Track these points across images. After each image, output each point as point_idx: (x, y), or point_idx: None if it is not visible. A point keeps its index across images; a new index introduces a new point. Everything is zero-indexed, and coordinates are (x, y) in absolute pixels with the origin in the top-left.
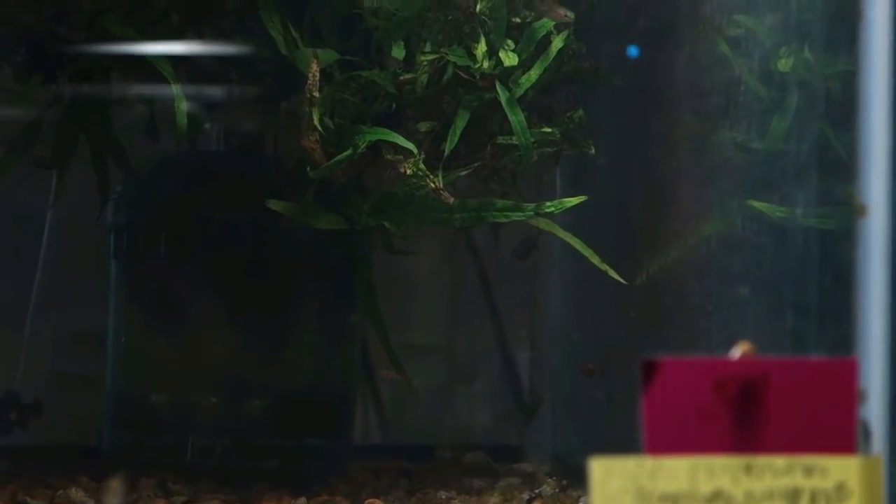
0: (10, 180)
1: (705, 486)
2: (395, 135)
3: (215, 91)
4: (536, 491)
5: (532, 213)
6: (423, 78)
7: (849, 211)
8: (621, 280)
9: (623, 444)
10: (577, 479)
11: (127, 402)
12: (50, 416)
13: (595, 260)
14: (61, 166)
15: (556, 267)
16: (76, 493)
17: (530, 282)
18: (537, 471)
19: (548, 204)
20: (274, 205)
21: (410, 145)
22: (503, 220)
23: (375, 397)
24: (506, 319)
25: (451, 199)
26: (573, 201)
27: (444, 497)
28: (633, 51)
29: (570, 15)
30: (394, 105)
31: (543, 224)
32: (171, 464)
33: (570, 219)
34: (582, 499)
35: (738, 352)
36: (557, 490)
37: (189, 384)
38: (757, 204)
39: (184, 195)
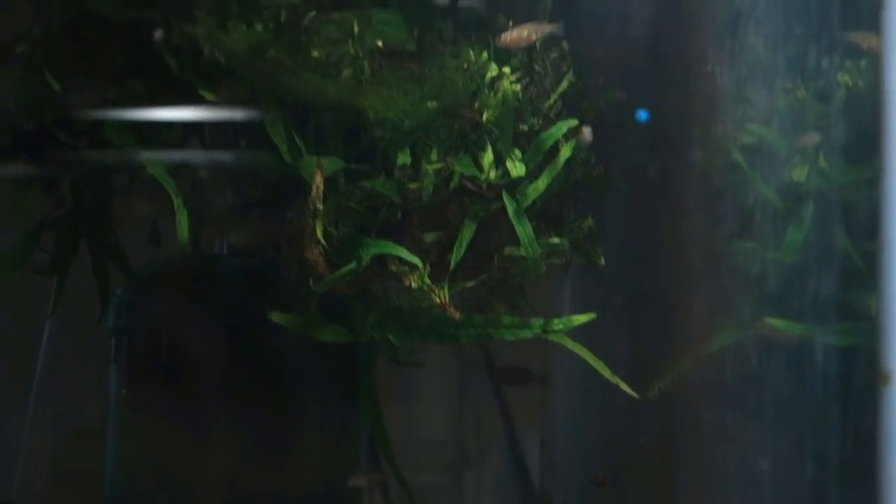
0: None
1: None
2: (400, 248)
3: (218, 198)
4: None
5: (540, 330)
6: (429, 187)
7: (869, 327)
8: (633, 394)
9: None
10: None
11: None
12: None
13: (606, 373)
14: (61, 273)
15: (565, 368)
16: None
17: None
18: None
19: (556, 321)
20: (276, 317)
21: (415, 259)
22: (510, 337)
23: (384, 497)
24: (516, 417)
25: (457, 315)
26: (582, 319)
27: None
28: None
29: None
30: (399, 214)
31: (553, 336)
32: None
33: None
34: None
35: None
36: None
37: (189, 491)
38: (773, 321)
39: (185, 301)
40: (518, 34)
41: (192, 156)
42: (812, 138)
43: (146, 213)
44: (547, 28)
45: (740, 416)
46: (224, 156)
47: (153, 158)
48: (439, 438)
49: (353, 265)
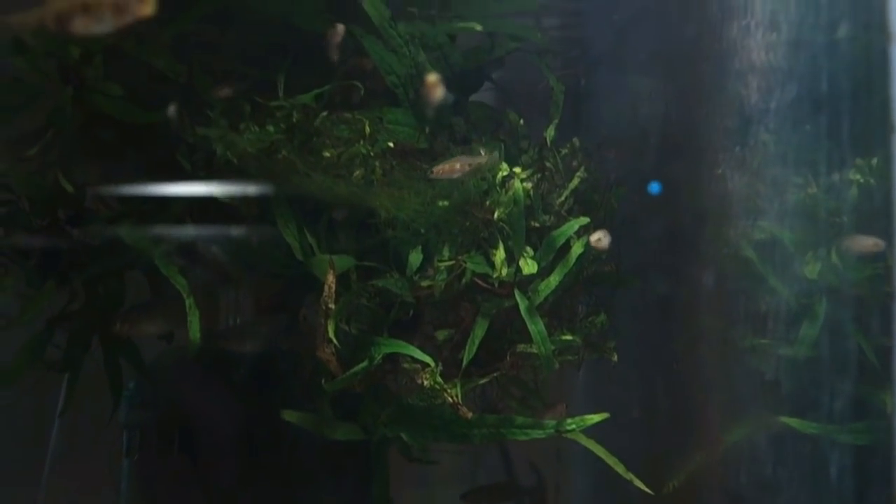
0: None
1: None
2: (412, 348)
3: (230, 295)
4: None
5: (553, 430)
6: (441, 285)
7: (884, 425)
8: (648, 490)
9: None
10: None
11: None
12: None
13: (620, 469)
14: (73, 369)
15: (579, 458)
16: None
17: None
18: None
19: (569, 421)
20: (289, 416)
21: (427, 358)
22: (523, 437)
23: None
24: None
25: (470, 415)
26: (595, 419)
27: None
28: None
29: (603, 240)
30: (411, 311)
31: (569, 434)
32: None
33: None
34: None
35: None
36: None
37: None
38: (788, 420)
39: (197, 396)
40: (450, 166)
41: (205, 254)
42: (601, 240)
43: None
44: (481, 159)
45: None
46: (236, 253)
47: (165, 258)
48: None
49: (365, 364)
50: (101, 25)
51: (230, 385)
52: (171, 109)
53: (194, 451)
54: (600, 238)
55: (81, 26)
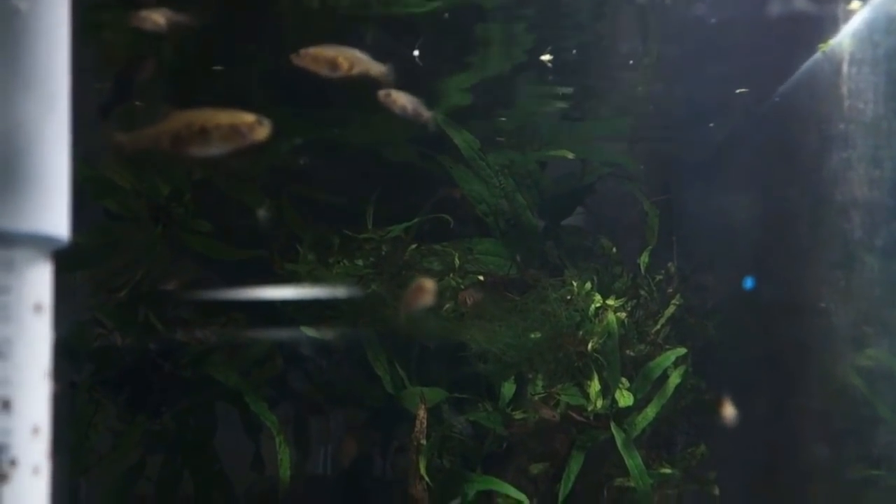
0: None
1: None
2: (506, 485)
3: (320, 426)
4: None
5: None
6: (535, 417)
7: None
8: None
9: None
10: None
11: None
12: None
13: None
14: (165, 502)
15: None
16: None
17: None
18: None
19: None
20: None
21: (522, 496)
22: None
23: None
24: None
25: None
26: None
27: None
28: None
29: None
30: (504, 444)
31: None
32: None
33: None
34: None
35: None
36: None
37: None
38: None
39: None
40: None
41: (294, 387)
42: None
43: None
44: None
45: None
46: (326, 387)
47: (255, 395)
48: None
49: (457, 502)
50: (216, 148)
51: None
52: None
53: None
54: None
55: (197, 148)
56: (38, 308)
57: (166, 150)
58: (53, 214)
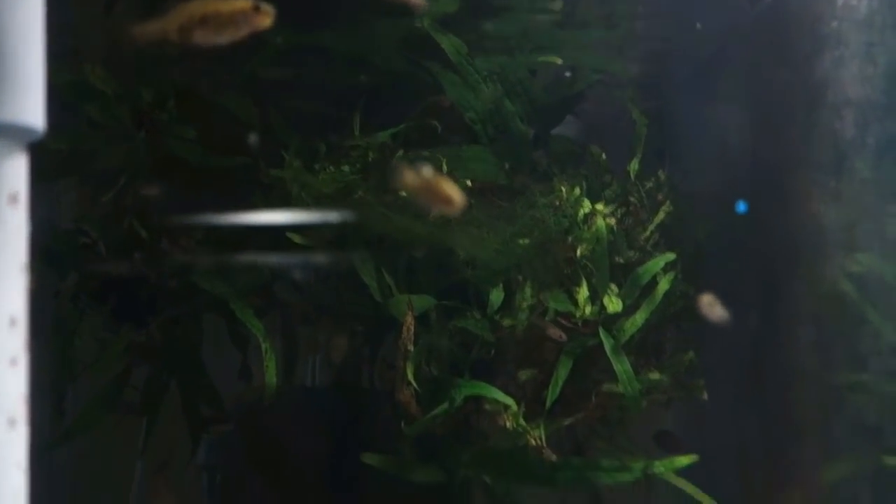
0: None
1: None
2: (494, 389)
3: (308, 335)
4: None
5: (640, 473)
6: (523, 324)
7: None
8: None
9: None
10: None
11: None
12: None
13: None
14: (151, 412)
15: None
16: None
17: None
18: None
19: (658, 464)
20: (369, 459)
21: (509, 400)
22: (609, 481)
23: None
24: None
25: (553, 457)
26: (684, 461)
27: None
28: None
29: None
30: (493, 351)
31: (657, 476)
32: None
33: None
34: None
35: None
36: None
37: None
38: (890, 459)
39: (277, 436)
40: None
41: (281, 296)
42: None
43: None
44: None
45: None
46: (313, 295)
47: (241, 303)
48: None
49: (445, 407)
50: (219, 37)
51: (309, 427)
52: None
53: (274, 492)
54: (711, 303)
55: (201, 37)
56: (13, 199)
57: (176, 40)
58: (28, 104)
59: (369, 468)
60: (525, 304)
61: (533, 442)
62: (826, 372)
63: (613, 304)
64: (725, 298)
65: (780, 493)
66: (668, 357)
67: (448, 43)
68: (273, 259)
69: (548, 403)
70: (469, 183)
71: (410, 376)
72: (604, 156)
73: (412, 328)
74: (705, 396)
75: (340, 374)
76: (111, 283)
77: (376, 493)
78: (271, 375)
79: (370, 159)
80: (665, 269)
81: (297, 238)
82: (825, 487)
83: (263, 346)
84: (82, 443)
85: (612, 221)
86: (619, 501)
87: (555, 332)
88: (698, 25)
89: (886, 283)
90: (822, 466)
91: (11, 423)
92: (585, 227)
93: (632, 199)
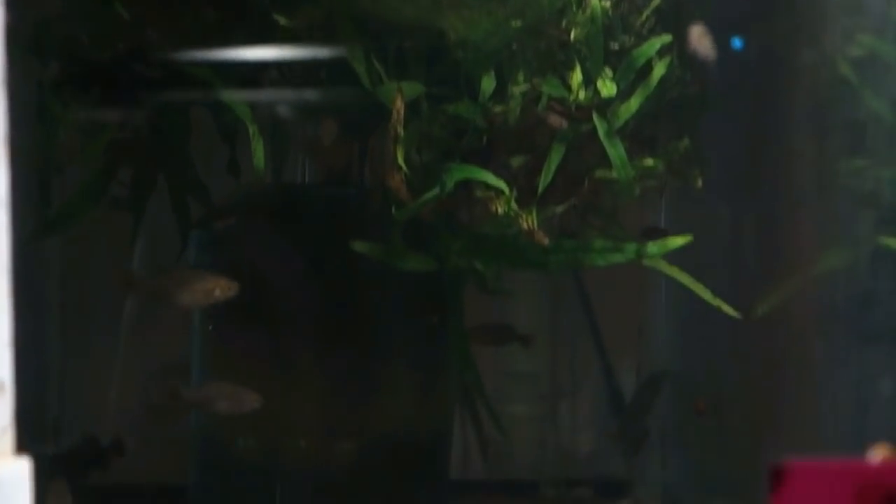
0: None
1: None
2: (485, 172)
3: (297, 126)
4: None
5: (634, 254)
6: (516, 110)
7: None
8: (735, 314)
9: (737, 481)
10: None
11: (213, 445)
12: (137, 453)
13: (706, 296)
14: (138, 207)
15: (663, 292)
16: None
17: (636, 306)
18: None
19: (651, 245)
20: (359, 247)
21: (501, 184)
22: (602, 262)
23: (477, 427)
24: (610, 346)
25: (546, 241)
26: (678, 242)
27: None
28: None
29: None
30: (484, 138)
31: (648, 260)
32: None
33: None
34: None
35: (877, 455)
36: None
37: (278, 426)
38: (888, 241)
39: (266, 233)
40: None
41: (269, 84)
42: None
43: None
44: None
45: (853, 340)
46: (302, 84)
47: (227, 89)
48: (532, 369)
49: (436, 191)
50: None
51: (299, 220)
52: None
53: (263, 288)
54: (701, 36)
55: None
56: None
57: None
58: None
59: (360, 261)
60: (517, 91)
61: (525, 226)
62: (825, 155)
63: (607, 87)
64: (723, 83)
65: (777, 281)
66: (663, 145)
67: None
68: (259, 50)
69: (540, 188)
70: None
71: (401, 160)
72: None
73: (402, 112)
74: (700, 184)
75: (330, 175)
76: (96, 71)
77: (368, 287)
78: (259, 158)
79: None
80: (661, 55)
81: (283, 20)
82: (822, 269)
83: (251, 128)
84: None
85: (608, 5)
86: None
87: (555, 120)
88: None
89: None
90: (819, 248)
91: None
92: (580, 10)
93: None
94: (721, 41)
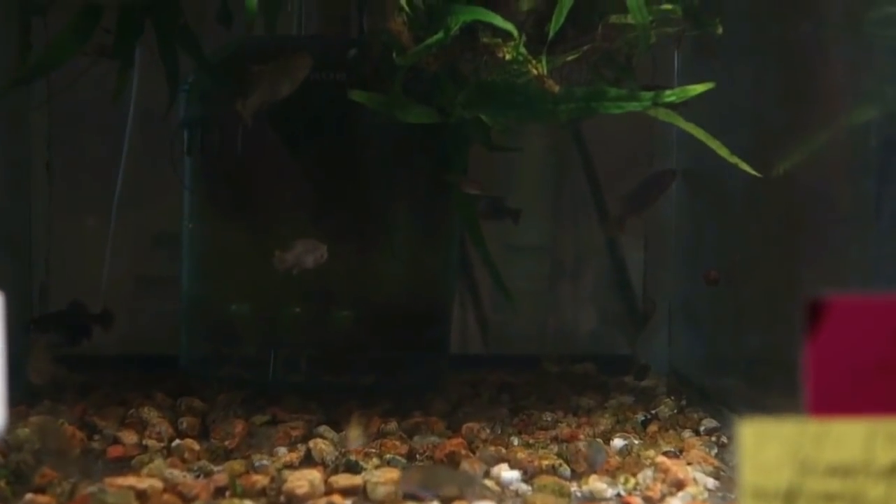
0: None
1: (885, 457)
2: (492, 14)
3: None
4: (653, 412)
5: (649, 102)
6: None
7: None
8: (754, 173)
9: (750, 363)
10: (696, 398)
11: (205, 312)
12: (128, 324)
13: (724, 152)
14: (125, 55)
15: (672, 158)
16: (149, 413)
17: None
18: (653, 387)
19: (668, 92)
20: (358, 96)
21: (510, 26)
22: (616, 111)
23: (476, 303)
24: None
25: (556, 88)
26: (698, 89)
27: (549, 420)
28: None
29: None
30: None
31: (663, 114)
32: (254, 378)
33: (694, 110)
34: (703, 420)
35: None
36: (675, 411)
37: (271, 292)
38: None
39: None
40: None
41: None
42: None
43: None
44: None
45: (883, 190)
46: None
47: None
48: (536, 243)
49: (440, 35)
50: None
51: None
52: None
53: (257, 147)
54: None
55: None
56: None
57: None
58: None
59: (359, 115)
60: None
61: (535, 72)
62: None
63: None
64: None
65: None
66: None
67: None
68: None
69: (551, 33)
70: None
71: (403, 1)
72: None
73: None
74: (720, 30)
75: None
76: None
77: (366, 142)
78: (252, 2)
79: None
80: None
81: None
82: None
83: None
84: None
85: None
86: None
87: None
88: None
89: None
90: (846, 103)
91: None
92: None
93: None
94: None
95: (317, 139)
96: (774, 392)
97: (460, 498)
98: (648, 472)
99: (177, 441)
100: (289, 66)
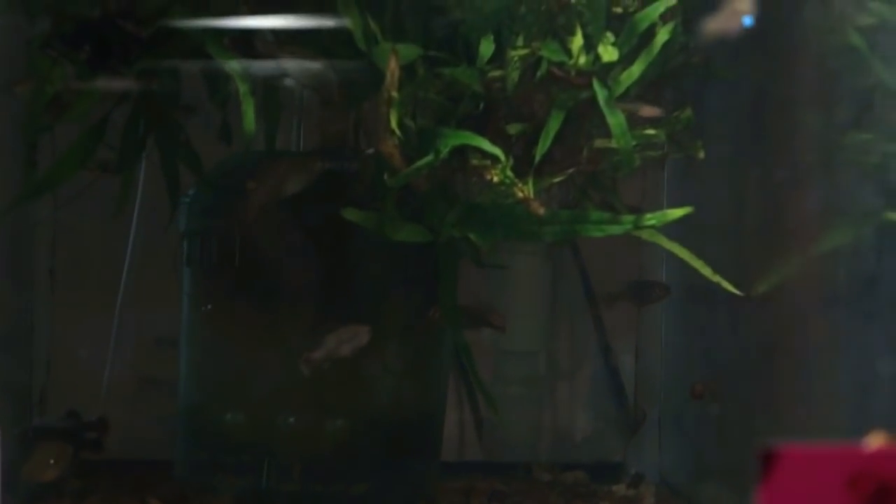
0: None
1: None
2: (481, 139)
3: (290, 90)
4: None
5: (631, 226)
6: (514, 75)
7: None
8: (735, 291)
9: (735, 468)
10: None
11: (200, 419)
12: (128, 427)
13: (706, 272)
14: (128, 170)
15: (662, 270)
16: None
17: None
18: (641, 495)
19: (649, 216)
20: (350, 214)
21: (497, 151)
22: (598, 234)
23: (472, 406)
24: (609, 326)
25: (542, 210)
26: (677, 213)
27: None
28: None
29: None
30: (481, 105)
31: (647, 234)
32: (247, 485)
33: (679, 226)
34: None
35: (873, 442)
36: None
37: (266, 401)
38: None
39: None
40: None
41: (262, 47)
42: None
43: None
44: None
45: (855, 321)
46: (295, 43)
47: (218, 47)
48: (529, 349)
49: (430, 158)
50: None
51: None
52: None
53: (255, 259)
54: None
55: None
56: None
57: None
58: None
59: (353, 232)
60: (516, 55)
61: (521, 194)
62: (830, 127)
63: (609, 52)
64: (727, 52)
65: (777, 252)
66: (666, 115)
67: None
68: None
69: (537, 157)
70: None
71: (394, 124)
72: None
73: (396, 74)
74: (702, 155)
75: (326, 140)
76: (85, 29)
77: (360, 258)
78: (250, 120)
79: None
80: (664, 19)
81: None
82: (825, 247)
83: (242, 87)
84: None
85: None
86: None
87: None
88: None
89: None
90: (821, 226)
91: None
92: None
93: None
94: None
95: (310, 252)
96: None
97: None
98: None
99: None
100: (298, 165)
